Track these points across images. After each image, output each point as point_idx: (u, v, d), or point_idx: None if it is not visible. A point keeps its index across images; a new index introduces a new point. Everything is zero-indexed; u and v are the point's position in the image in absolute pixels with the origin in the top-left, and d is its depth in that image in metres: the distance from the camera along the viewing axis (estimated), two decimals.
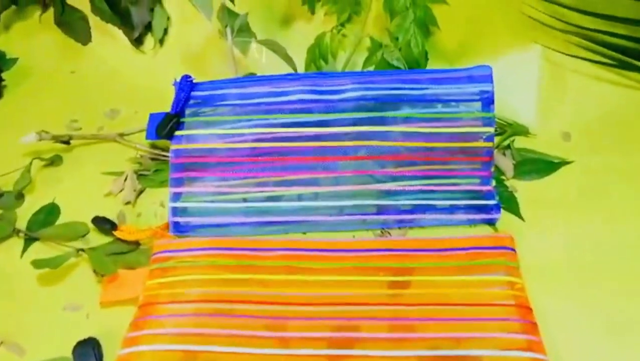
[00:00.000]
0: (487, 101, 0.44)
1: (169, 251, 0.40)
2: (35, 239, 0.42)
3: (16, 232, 0.42)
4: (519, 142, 0.48)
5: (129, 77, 0.52)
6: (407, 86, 0.44)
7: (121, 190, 0.44)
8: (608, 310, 0.37)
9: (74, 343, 0.35)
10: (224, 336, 0.35)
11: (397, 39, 0.49)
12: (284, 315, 0.36)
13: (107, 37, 0.53)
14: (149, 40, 0.53)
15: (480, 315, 0.36)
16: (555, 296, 0.38)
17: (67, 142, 0.47)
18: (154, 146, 0.47)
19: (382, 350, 0.34)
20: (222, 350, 0.34)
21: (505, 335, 0.35)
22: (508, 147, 0.47)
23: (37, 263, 0.38)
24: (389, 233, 0.43)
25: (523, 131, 0.48)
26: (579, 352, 0.35)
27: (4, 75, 0.53)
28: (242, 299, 0.37)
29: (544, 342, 0.34)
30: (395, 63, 0.49)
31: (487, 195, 0.43)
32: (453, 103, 0.44)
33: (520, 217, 0.43)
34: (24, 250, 0.41)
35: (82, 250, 0.40)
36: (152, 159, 0.46)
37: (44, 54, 0.54)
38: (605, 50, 0.50)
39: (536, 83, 0.50)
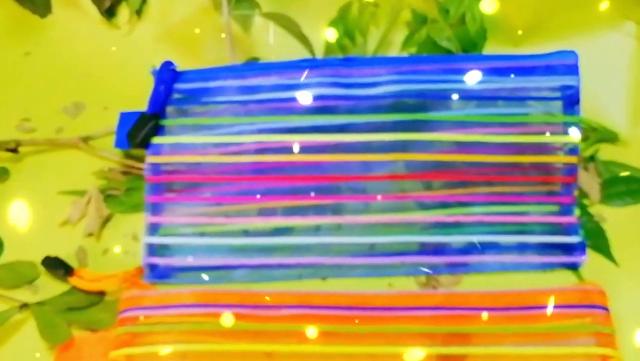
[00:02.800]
0: (571, 100, 0.34)
1: (142, 308, 0.31)
2: None
3: None
4: (606, 152, 0.37)
5: (97, 60, 0.41)
6: (460, 78, 0.35)
7: (82, 217, 0.35)
8: None
9: None
10: None
11: (447, 11, 0.39)
12: None
13: (72, 7, 0.43)
14: (124, 12, 0.43)
15: None
16: None
17: (14, 150, 0.37)
18: (127, 155, 0.37)
19: None
20: None
21: None
22: (592, 158, 0.37)
23: None
24: (437, 281, 0.33)
25: (611, 138, 0.38)
26: None
27: None
28: None
29: None
30: (444, 44, 0.39)
31: (569, 229, 0.34)
32: (523, 102, 0.35)
33: (612, 259, 0.33)
34: None
35: (27, 305, 0.31)
36: (124, 173, 0.37)
37: None
38: None
39: (628, 73, 0.39)
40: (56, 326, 0.30)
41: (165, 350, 0.29)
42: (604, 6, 0.40)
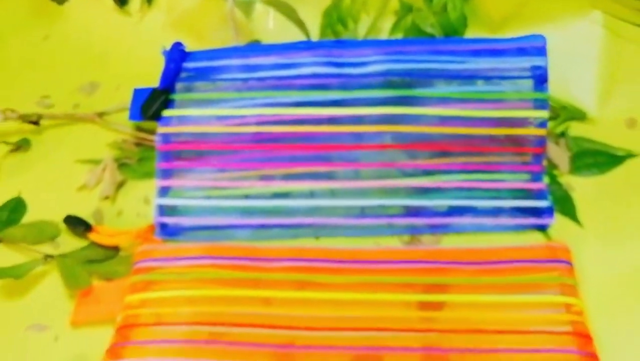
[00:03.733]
0: (540, 79, 0.38)
1: (154, 260, 0.34)
2: None
3: None
4: (575, 129, 0.41)
5: (111, 43, 0.45)
6: (443, 58, 0.38)
7: (98, 183, 0.39)
8: None
9: None
10: None
11: (431, 1, 0.42)
12: (293, 342, 0.31)
13: None
14: (135, 0, 0.46)
15: (529, 345, 0.31)
16: (620, 322, 0.32)
17: (36, 123, 0.41)
18: (138, 128, 0.41)
19: None
20: None
21: None
22: (562, 134, 0.41)
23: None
24: (420, 240, 0.37)
25: (580, 116, 0.42)
26: None
27: None
28: (243, 322, 0.31)
29: None
30: (428, 30, 0.42)
31: (538, 195, 0.37)
32: (498, 81, 0.38)
33: (578, 222, 0.37)
34: None
35: (51, 256, 0.34)
36: (137, 144, 0.40)
37: (12, 16, 0.48)
38: None
39: (595, 58, 0.43)
40: (77, 275, 0.33)
41: (174, 295, 0.33)
42: None
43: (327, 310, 0.32)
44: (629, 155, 0.40)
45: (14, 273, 0.33)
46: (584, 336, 0.31)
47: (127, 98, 0.40)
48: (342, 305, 0.33)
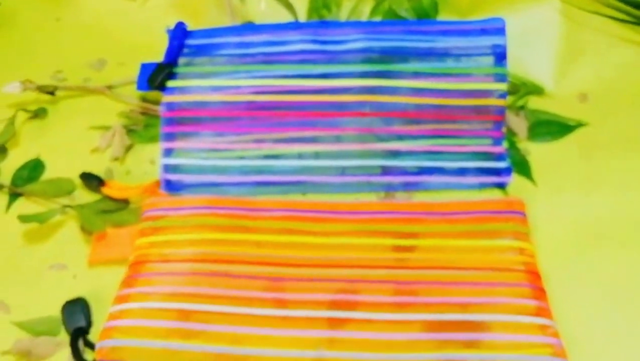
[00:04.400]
0: (500, 56, 0.43)
1: (160, 209, 0.39)
2: (20, 195, 0.41)
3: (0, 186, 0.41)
4: (533, 102, 0.46)
5: (117, 24, 0.50)
6: (415, 38, 0.44)
7: (109, 146, 0.43)
8: (618, 278, 0.36)
9: (61, 303, 0.35)
10: (220, 296, 0.34)
11: None
12: (282, 276, 0.36)
13: None
14: None
15: (488, 280, 0.36)
16: (565, 264, 0.37)
17: (52, 93, 0.45)
18: (144, 99, 0.45)
19: (385, 313, 0.34)
20: (217, 310, 0.33)
21: (513, 300, 0.35)
22: (522, 107, 0.46)
23: (24, 218, 0.38)
24: (394, 196, 0.42)
25: (538, 91, 0.47)
26: (586, 320, 0.35)
27: None
28: (239, 260, 0.36)
29: (551, 309, 0.34)
30: (403, 14, 0.47)
31: (499, 157, 0.43)
32: (463, 58, 0.44)
33: (533, 181, 0.42)
34: (9, 205, 0.41)
35: (70, 206, 0.39)
36: (142, 113, 0.45)
37: (27, 1, 0.53)
38: (628, 8, 0.49)
39: (553, 41, 0.48)
40: (93, 221, 0.38)
41: (178, 238, 0.38)
42: None
43: (312, 252, 0.37)
44: (579, 125, 0.45)
45: (37, 218, 0.38)
46: (534, 274, 0.36)
47: (132, 73, 0.45)
48: (324, 248, 0.37)
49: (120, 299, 0.34)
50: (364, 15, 0.48)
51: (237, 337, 0.33)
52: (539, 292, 0.35)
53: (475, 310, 0.34)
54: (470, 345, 0.33)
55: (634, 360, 0.33)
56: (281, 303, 0.34)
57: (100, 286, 0.36)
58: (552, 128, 0.46)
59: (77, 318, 0.34)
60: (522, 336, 0.33)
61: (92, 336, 0.34)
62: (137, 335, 0.33)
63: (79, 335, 0.34)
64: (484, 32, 0.43)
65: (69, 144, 0.44)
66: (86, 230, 0.39)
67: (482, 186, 0.42)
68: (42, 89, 0.45)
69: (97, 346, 0.32)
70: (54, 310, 0.35)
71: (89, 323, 0.35)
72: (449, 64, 0.43)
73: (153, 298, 0.34)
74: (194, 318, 0.33)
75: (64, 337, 0.34)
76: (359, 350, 0.33)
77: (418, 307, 0.35)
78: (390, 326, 0.34)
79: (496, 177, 0.42)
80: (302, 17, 0.48)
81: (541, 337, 0.33)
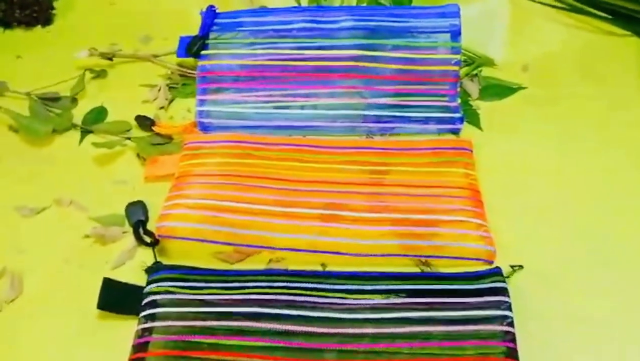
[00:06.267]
0: (455, 33, 0.56)
1: (196, 142, 0.53)
2: (90, 131, 0.54)
3: (74, 125, 0.55)
4: (485, 71, 0.60)
5: (160, 8, 0.65)
6: (392, 19, 0.57)
7: (155, 99, 0.57)
8: (539, 197, 0.50)
9: (124, 206, 0.48)
10: (238, 197, 0.47)
11: None
12: (286, 186, 0.49)
13: None
14: None
15: (441, 193, 0.50)
16: (500, 186, 0.50)
17: (110, 59, 0.59)
18: (181, 65, 0.59)
19: (362, 212, 0.47)
20: (237, 205, 0.47)
21: (458, 206, 0.48)
22: (475, 75, 0.60)
23: (97, 144, 0.52)
24: (373, 137, 0.55)
25: (489, 62, 0.61)
26: (516, 233, 0.47)
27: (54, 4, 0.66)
28: (252, 175, 0.50)
29: (486, 214, 0.47)
30: (383, 1, 0.61)
31: (454, 110, 0.56)
32: (429, 35, 0.57)
33: (480, 128, 0.56)
34: (82, 139, 0.54)
35: (129, 138, 0.53)
36: (180, 75, 0.59)
37: None
38: None
39: (502, 23, 0.62)
40: (146, 150, 0.52)
41: (210, 161, 0.51)
42: None
43: (308, 173, 0.51)
44: (520, 88, 0.59)
45: (106, 145, 0.52)
46: (475, 190, 0.50)
47: (172, 46, 0.59)
48: (318, 170, 0.51)
49: (170, 198, 0.48)
50: (353, 1, 0.61)
51: (251, 223, 0.46)
52: (478, 202, 0.49)
53: (430, 212, 0.48)
54: (424, 235, 0.47)
55: (548, 256, 0.46)
56: (285, 204, 0.48)
57: (152, 194, 0.49)
58: (498, 90, 0.59)
59: (137, 213, 0.48)
60: (463, 230, 0.47)
61: (149, 227, 0.47)
62: (182, 220, 0.46)
63: (140, 225, 0.47)
64: (443, 14, 0.57)
65: (125, 97, 0.57)
66: (141, 157, 0.52)
67: (440, 131, 0.56)
68: (103, 55, 0.59)
69: (157, 225, 0.46)
70: (119, 210, 0.48)
71: (146, 218, 0.48)
72: (418, 39, 0.57)
73: (192, 197, 0.48)
74: (221, 210, 0.47)
75: (128, 228, 0.48)
76: (342, 236, 0.46)
77: (387, 209, 0.48)
78: (365, 221, 0.47)
79: (451, 125, 0.55)
80: (305, 2, 0.62)
81: (477, 232, 0.47)
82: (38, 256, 0.46)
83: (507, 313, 0.41)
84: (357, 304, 0.42)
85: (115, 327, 0.42)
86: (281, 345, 0.40)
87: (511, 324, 0.41)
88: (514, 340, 0.40)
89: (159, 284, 0.43)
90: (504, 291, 0.42)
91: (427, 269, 0.45)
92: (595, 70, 0.60)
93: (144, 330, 0.41)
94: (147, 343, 0.41)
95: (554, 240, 0.47)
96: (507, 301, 0.42)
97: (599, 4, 0.62)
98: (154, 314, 0.42)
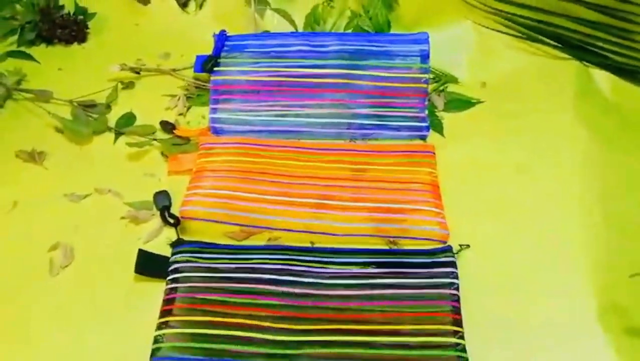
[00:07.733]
0: (425, 56, 0.69)
1: (210, 144, 0.65)
2: (122, 133, 0.66)
3: (109, 128, 0.66)
4: (450, 87, 0.72)
5: (177, 29, 0.77)
6: (373, 44, 0.70)
7: (176, 106, 0.69)
8: (491, 192, 0.62)
9: (152, 194, 0.60)
10: (246, 188, 0.60)
11: (368, 11, 0.74)
12: (284, 179, 0.61)
13: (162, 0, 0.79)
14: (192, 5, 0.78)
15: (407, 187, 0.62)
16: (458, 182, 0.62)
17: (138, 72, 0.71)
18: (197, 78, 0.71)
19: (346, 202, 0.60)
20: (245, 195, 0.59)
21: (420, 197, 0.61)
22: (442, 90, 0.72)
23: (130, 144, 0.64)
24: (355, 141, 0.67)
25: (453, 80, 0.73)
26: (467, 220, 0.59)
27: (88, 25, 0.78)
28: (258, 171, 0.62)
29: (443, 204, 0.60)
30: (366, 28, 0.73)
31: (422, 120, 0.68)
32: (403, 57, 0.69)
33: (443, 136, 0.68)
34: (115, 139, 0.66)
35: (155, 139, 0.65)
36: (196, 87, 0.71)
37: (116, 11, 0.80)
38: (517, 27, 0.75)
39: (465, 48, 0.74)
40: (169, 149, 0.64)
41: (221, 159, 0.63)
42: (455, 11, 0.74)
43: (302, 170, 0.63)
44: (478, 102, 0.71)
45: (137, 145, 0.64)
46: (435, 185, 0.62)
47: (188, 62, 0.71)
48: (310, 168, 0.63)
49: (190, 188, 0.60)
50: (341, 28, 0.74)
51: (255, 209, 0.59)
52: (437, 195, 0.61)
53: (399, 202, 0.60)
54: (393, 220, 0.59)
55: (492, 238, 0.58)
56: (283, 194, 0.60)
57: (174, 185, 0.61)
58: (460, 103, 0.71)
59: (163, 200, 0.60)
60: (424, 217, 0.59)
61: (172, 211, 0.59)
62: (199, 205, 0.59)
63: (165, 209, 0.59)
64: (415, 41, 0.69)
65: (150, 104, 0.69)
66: (164, 155, 0.64)
67: (410, 137, 0.68)
68: (131, 69, 0.71)
69: (180, 209, 0.58)
70: (148, 197, 0.60)
71: (170, 204, 0.60)
72: (394, 61, 0.69)
73: (207, 188, 0.60)
74: (230, 198, 0.59)
75: (155, 212, 0.59)
76: (328, 220, 0.58)
77: (365, 200, 0.60)
78: (347, 209, 0.60)
79: (419, 132, 0.68)
80: (301, 29, 0.74)
81: (435, 218, 0.59)
82: (85, 233, 0.58)
83: (454, 280, 0.54)
84: (339, 272, 0.55)
85: (147, 289, 0.54)
86: (277, 302, 0.52)
87: (457, 289, 0.53)
88: (458, 300, 0.52)
89: (181, 255, 0.56)
90: (453, 265, 0.55)
91: (394, 246, 0.58)
92: (542, 88, 0.72)
93: (170, 289, 0.53)
94: (174, 298, 0.53)
95: (498, 227, 0.59)
96: (454, 272, 0.54)
97: (548, 33, 0.74)
98: (177, 278, 0.54)
